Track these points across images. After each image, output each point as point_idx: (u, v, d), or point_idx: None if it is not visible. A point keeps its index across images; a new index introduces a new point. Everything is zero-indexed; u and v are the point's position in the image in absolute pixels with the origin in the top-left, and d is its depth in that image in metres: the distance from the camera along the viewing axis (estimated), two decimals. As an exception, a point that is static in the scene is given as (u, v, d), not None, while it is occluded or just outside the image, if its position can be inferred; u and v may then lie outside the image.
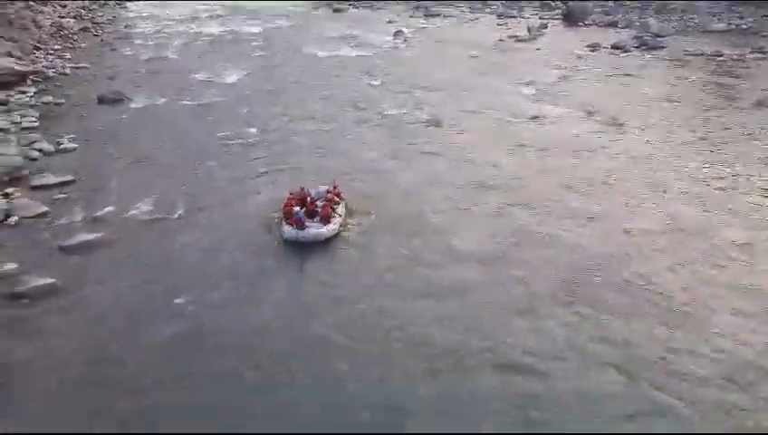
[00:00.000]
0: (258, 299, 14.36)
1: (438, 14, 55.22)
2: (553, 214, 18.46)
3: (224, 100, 30.19)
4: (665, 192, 19.88)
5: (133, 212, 18.35)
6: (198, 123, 26.78)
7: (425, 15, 55.31)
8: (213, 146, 23.95)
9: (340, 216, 17.51)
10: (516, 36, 44.97)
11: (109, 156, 22.81)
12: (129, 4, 62.61)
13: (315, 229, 16.71)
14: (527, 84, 32.67)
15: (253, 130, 25.75)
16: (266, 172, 21.53)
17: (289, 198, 17.68)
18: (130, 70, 36.26)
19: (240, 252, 16.36)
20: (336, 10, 59.10)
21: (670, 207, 18.88)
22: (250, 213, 18.52)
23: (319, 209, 17.40)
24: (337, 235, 16.98)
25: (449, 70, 35.97)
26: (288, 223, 16.81)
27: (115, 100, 29.46)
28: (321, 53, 40.46)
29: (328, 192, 18.28)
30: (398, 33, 46.18)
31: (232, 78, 34.32)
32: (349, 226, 17.54)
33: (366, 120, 27.15)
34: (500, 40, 44.05)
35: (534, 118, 27.15)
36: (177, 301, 14.16)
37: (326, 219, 17.03)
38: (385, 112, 28.04)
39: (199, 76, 34.61)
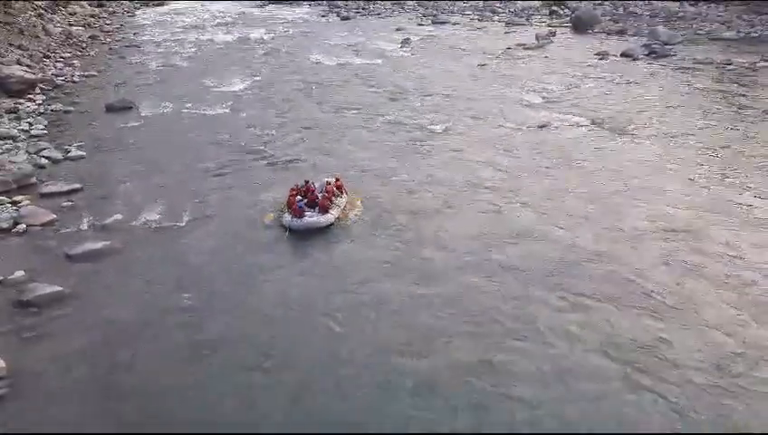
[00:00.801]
0: (261, 297, 14.82)
1: (447, 22, 55.16)
2: (549, 214, 18.75)
3: (231, 107, 30.32)
4: (662, 196, 19.85)
5: (140, 219, 18.41)
6: (206, 130, 26.89)
7: (433, 23, 55.27)
8: (220, 152, 24.07)
9: (340, 207, 18.55)
10: (524, 44, 44.81)
11: (116, 164, 22.91)
12: (138, 12, 63.09)
13: (312, 218, 17.68)
14: (533, 92, 32.49)
15: (259, 136, 25.92)
16: (272, 175, 21.87)
17: (293, 190, 18.63)
18: (139, 78, 36.48)
19: (245, 253, 16.81)
20: (344, 18, 59.24)
21: (666, 209, 18.95)
22: (255, 215, 18.88)
23: (319, 200, 18.28)
24: (338, 225, 17.97)
25: (455, 78, 35.88)
26: (289, 212, 17.78)
27: (123, 108, 29.60)
28: (327, 62, 40.48)
29: (327, 183, 19.14)
30: (405, 41, 46.17)
31: (239, 86, 34.47)
32: (350, 218, 18.34)
33: (370, 126, 27.22)
34: (508, 48, 43.92)
35: (541, 126, 26.94)
36: (183, 305, 14.29)
37: (324, 209, 17.96)
38: (390, 120, 28.04)
39: (207, 84, 34.75)
